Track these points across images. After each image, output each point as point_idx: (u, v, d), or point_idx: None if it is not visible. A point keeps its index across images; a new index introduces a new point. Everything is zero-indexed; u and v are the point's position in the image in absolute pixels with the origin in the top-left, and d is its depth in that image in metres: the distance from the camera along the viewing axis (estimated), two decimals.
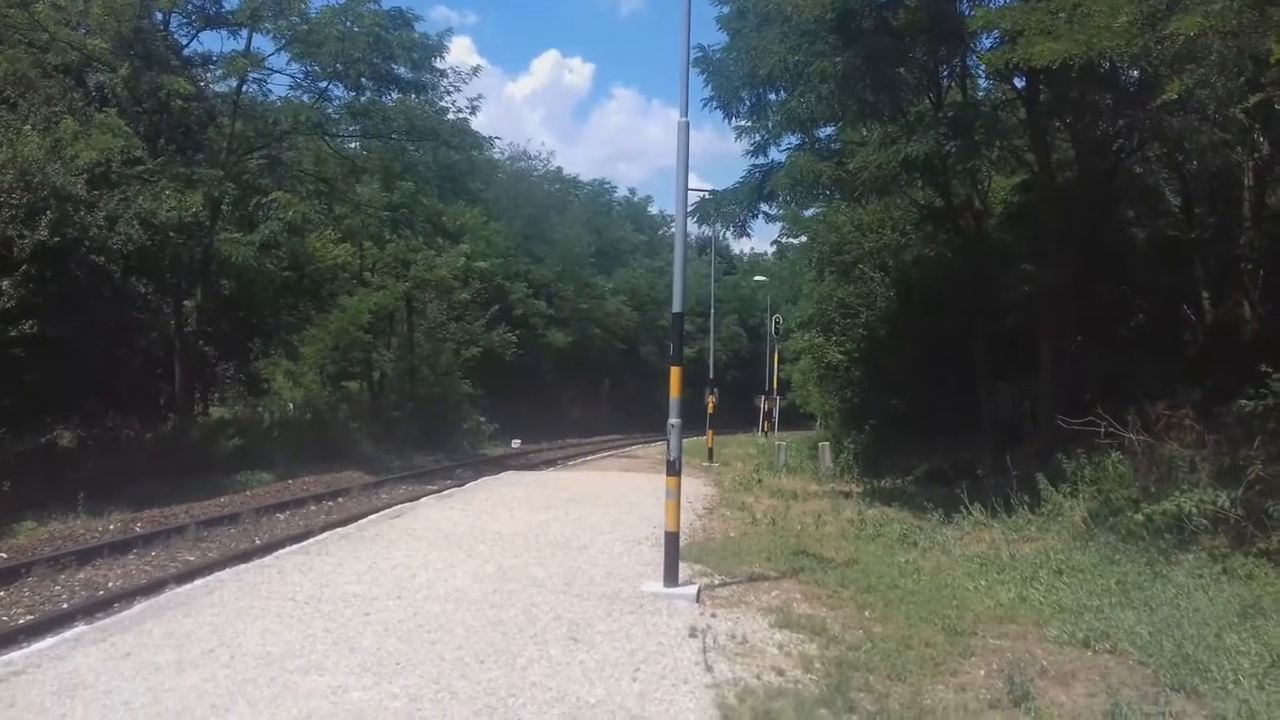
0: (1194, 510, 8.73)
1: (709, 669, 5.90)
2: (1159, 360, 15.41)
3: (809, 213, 22.83)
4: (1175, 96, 10.29)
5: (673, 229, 9.48)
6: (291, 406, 25.94)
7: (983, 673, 6.02)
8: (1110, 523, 9.72)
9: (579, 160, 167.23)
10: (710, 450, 26.86)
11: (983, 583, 8.58)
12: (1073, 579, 8.43)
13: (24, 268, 13.79)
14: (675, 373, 8.22)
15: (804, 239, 26.02)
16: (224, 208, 20.72)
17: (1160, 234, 17.67)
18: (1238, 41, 8.99)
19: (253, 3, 19.86)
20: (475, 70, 24.75)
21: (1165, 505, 8.95)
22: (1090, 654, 6.47)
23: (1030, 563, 9.23)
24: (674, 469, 8.06)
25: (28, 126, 15.79)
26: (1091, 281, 16.18)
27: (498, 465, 25.33)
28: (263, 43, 21.15)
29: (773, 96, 15.00)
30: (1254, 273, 15.29)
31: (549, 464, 27.79)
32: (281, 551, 10.06)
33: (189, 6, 20.32)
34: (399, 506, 14.19)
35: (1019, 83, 15.23)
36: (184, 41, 21.17)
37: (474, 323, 37.78)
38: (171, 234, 17.56)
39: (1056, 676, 5.97)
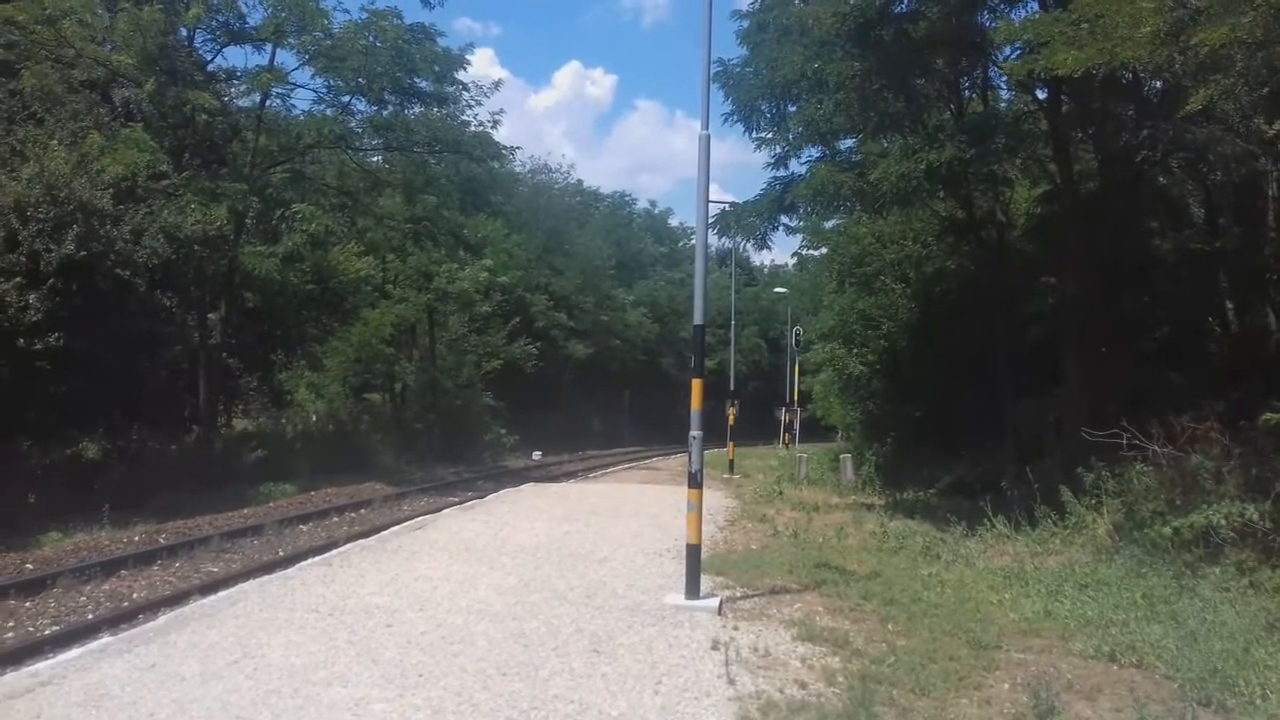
0: (1222, 523, 8.62)
1: (731, 682, 5.88)
2: (1184, 372, 15.29)
3: (830, 224, 22.75)
4: (1199, 108, 10.22)
5: (693, 241, 9.48)
6: (314, 418, 26.10)
7: (1007, 687, 5.98)
8: (1135, 536, 9.59)
9: (601, 172, 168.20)
10: (731, 462, 26.78)
11: (1007, 596, 8.53)
12: (1098, 592, 8.35)
13: (51, 281, 13.94)
14: (696, 385, 8.22)
15: (824, 251, 25.90)
16: (248, 221, 20.92)
17: (1184, 245, 17.50)
18: (1263, 53, 8.91)
19: (276, 19, 20.07)
20: (497, 84, 24.96)
21: (1194, 518, 8.81)
22: (1116, 668, 6.41)
23: (1055, 576, 9.15)
24: (695, 481, 8.05)
25: (54, 141, 16.02)
26: (1115, 293, 16.03)
27: (519, 477, 25.32)
28: (286, 58, 21.46)
29: (792, 109, 15.01)
30: (1279, 284, 15.16)
31: (570, 476, 27.78)
32: (304, 563, 10.09)
33: (213, 22, 20.61)
34: (421, 518, 14.16)
35: (1041, 94, 15.14)
36: (208, 57, 21.50)
37: (495, 335, 37.92)
38: (196, 247, 17.70)
39: (1082, 691, 5.92)
